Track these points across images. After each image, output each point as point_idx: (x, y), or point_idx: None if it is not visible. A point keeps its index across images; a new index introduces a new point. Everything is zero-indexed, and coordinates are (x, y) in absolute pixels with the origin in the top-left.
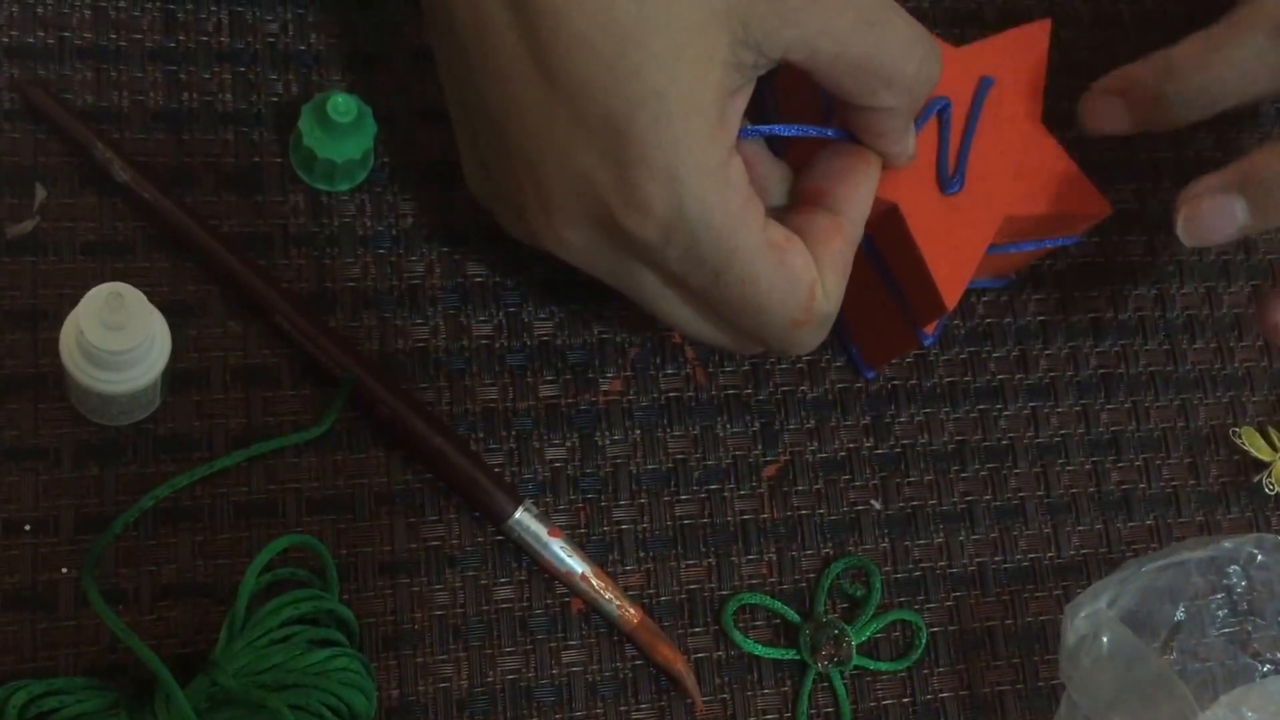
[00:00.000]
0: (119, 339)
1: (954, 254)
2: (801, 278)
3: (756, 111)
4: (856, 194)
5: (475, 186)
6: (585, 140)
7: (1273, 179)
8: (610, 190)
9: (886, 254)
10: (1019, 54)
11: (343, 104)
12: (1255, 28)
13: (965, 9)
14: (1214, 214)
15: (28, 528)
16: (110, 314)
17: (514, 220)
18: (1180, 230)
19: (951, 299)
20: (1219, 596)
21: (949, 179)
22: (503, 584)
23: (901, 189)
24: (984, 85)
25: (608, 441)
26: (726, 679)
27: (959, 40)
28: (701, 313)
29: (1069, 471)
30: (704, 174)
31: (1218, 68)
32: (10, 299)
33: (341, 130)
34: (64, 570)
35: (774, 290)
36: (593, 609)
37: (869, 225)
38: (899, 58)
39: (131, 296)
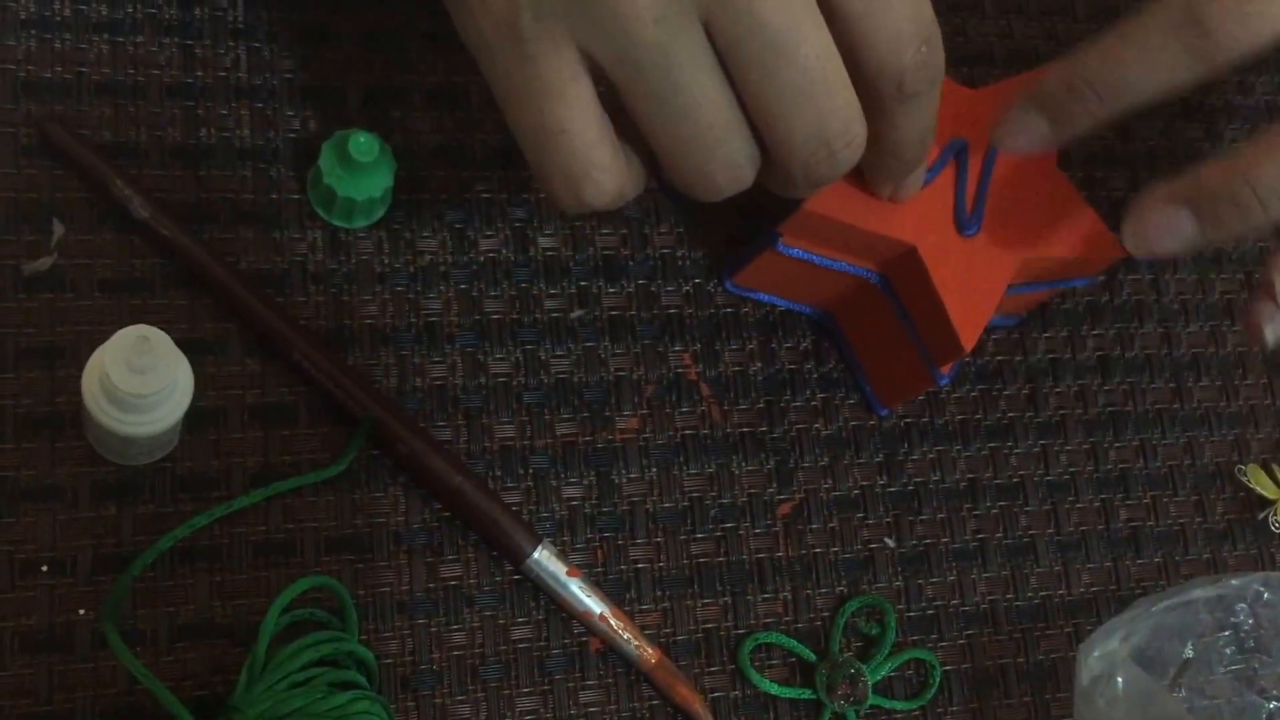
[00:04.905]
0: (145, 383)
1: (971, 296)
2: None
3: None
4: None
5: None
6: None
7: (1219, 193)
8: None
9: (903, 295)
10: None
11: (364, 143)
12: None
13: (975, 49)
14: (1161, 225)
15: (44, 568)
16: (137, 357)
17: None
18: (1126, 240)
19: (969, 341)
20: (1226, 634)
21: (967, 221)
22: (520, 623)
23: (920, 231)
24: None
25: (624, 480)
26: (743, 719)
27: (970, 81)
28: (736, 109)
29: (1079, 509)
30: None
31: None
32: (27, 337)
33: (362, 169)
34: (81, 611)
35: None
36: (611, 648)
37: (886, 266)
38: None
39: (158, 340)
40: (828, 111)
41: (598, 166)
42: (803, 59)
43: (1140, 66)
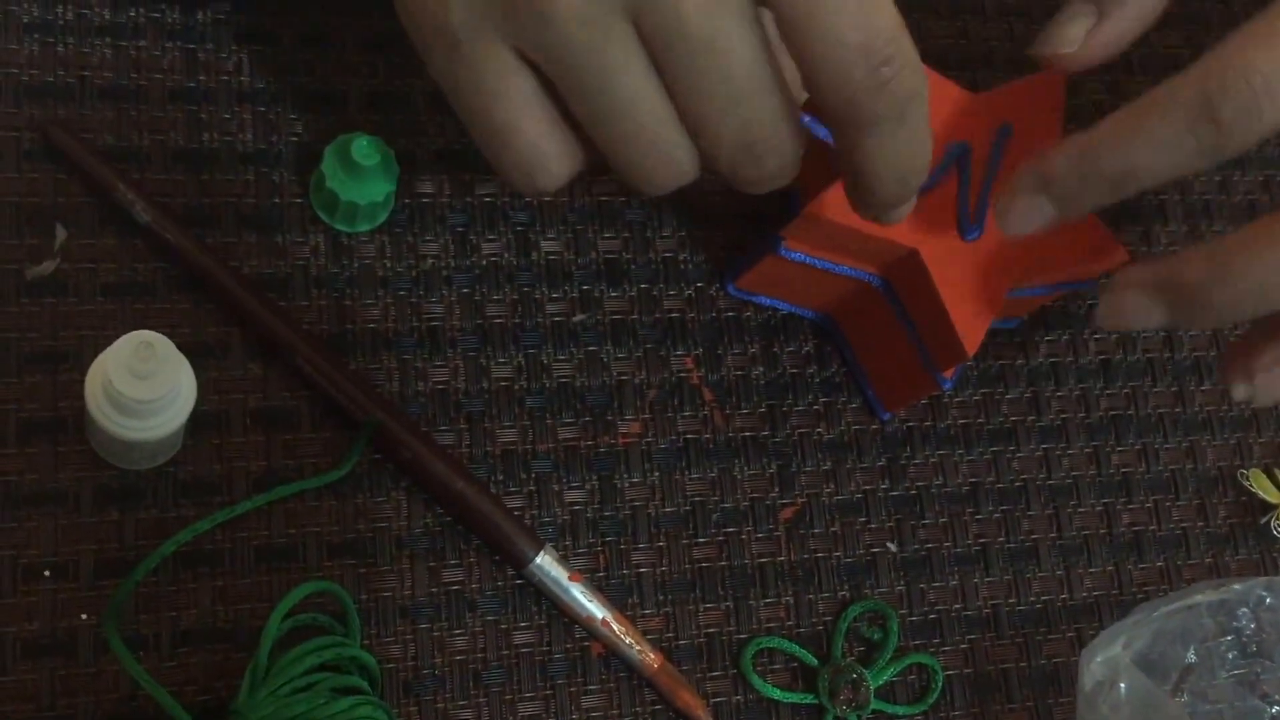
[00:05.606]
0: (147, 388)
1: (974, 300)
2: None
3: None
4: None
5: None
6: None
7: (1190, 285)
8: None
9: (906, 299)
10: (1035, 100)
11: (367, 147)
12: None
13: (977, 51)
14: (1138, 311)
15: (47, 573)
16: (140, 363)
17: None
18: (1100, 317)
19: (972, 346)
20: (1228, 639)
21: (969, 225)
22: (522, 628)
23: (922, 235)
24: (1003, 131)
25: (626, 484)
26: None
27: (972, 84)
28: (670, 107)
29: (1081, 513)
30: None
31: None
32: (30, 341)
33: (365, 173)
34: (84, 616)
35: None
36: (613, 653)
37: (888, 270)
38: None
39: (161, 345)
40: (752, 118)
41: (548, 155)
42: (726, 63)
43: (1152, 157)
